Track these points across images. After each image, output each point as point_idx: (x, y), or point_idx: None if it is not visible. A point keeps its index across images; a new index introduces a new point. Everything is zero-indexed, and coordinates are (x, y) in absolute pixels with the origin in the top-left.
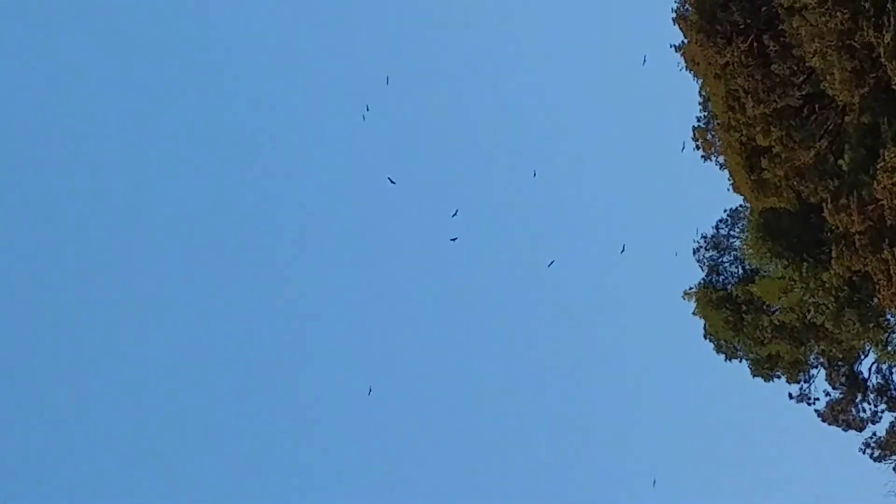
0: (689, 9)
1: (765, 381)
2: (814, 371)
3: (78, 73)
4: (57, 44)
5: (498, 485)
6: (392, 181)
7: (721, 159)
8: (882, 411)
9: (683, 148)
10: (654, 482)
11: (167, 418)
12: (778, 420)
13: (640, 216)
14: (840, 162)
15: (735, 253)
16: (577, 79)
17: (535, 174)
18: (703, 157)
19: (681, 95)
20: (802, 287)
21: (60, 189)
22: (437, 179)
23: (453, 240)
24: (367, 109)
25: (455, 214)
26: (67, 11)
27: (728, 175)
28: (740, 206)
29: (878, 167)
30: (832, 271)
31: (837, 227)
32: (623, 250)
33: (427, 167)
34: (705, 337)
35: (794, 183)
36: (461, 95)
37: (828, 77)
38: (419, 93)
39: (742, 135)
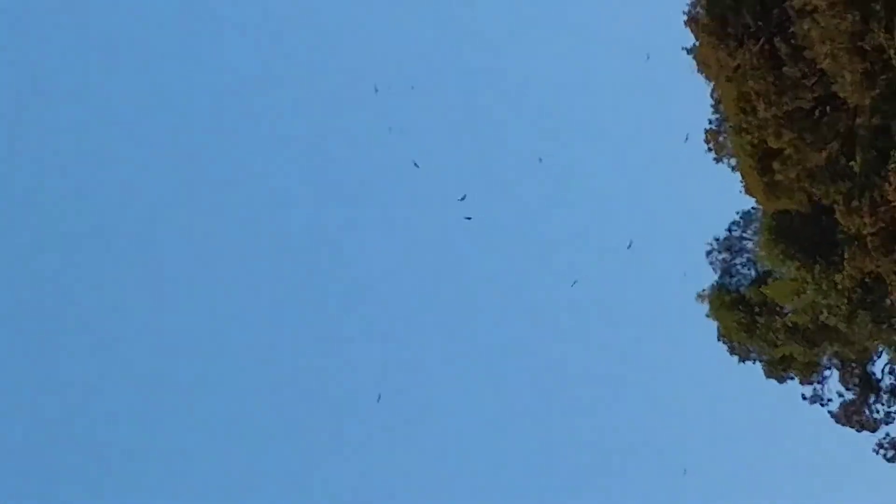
0: (701, 11)
1: (778, 382)
2: (827, 372)
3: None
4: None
5: (502, 481)
6: (417, 165)
7: (733, 161)
8: (895, 412)
9: (687, 139)
10: (685, 471)
11: (170, 420)
12: (792, 420)
13: (651, 217)
14: (852, 164)
15: (748, 255)
16: (588, 78)
17: (540, 160)
18: (715, 159)
19: (694, 95)
20: (815, 289)
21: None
22: (442, 173)
23: (468, 219)
24: (376, 91)
25: (463, 199)
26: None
27: (740, 177)
28: (753, 208)
29: (890, 169)
30: (845, 273)
31: (850, 229)
32: (630, 245)
33: (435, 158)
34: (719, 339)
35: (807, 185)
36: (469, 90)
37: (839, 79)
38: (431, 87)
39: (754, 137)
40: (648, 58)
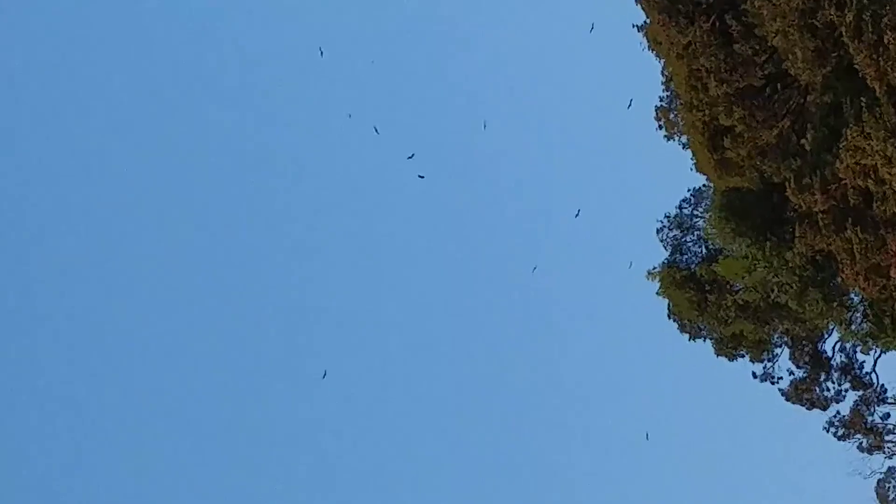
0: None
1: (728, 360)
2: (777, 350)
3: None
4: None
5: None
6: (377, 130)
7: (684, 139)
8: (846, 390)
9: (630, 104)
10: (647, 435)
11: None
12: (742, 397)
13: (601, 194)
14: (803, 141)
15: (698, 233)
16: (538, 52)
17: (485, 126)
18: (665, 136)
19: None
20: (766, 266)
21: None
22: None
23: (421, 177)
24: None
25: (412, 157)
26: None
27: (691, 155)
28: (703, 185)
29: (841, 146)
30: (795, 250)
31: (801, 207)
32: (578, 214)
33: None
34: (669, 317)
35: (758, 162)
36: (409, 58)
37: (790, 56)
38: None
39: (705, 114)
40: (592, 28)
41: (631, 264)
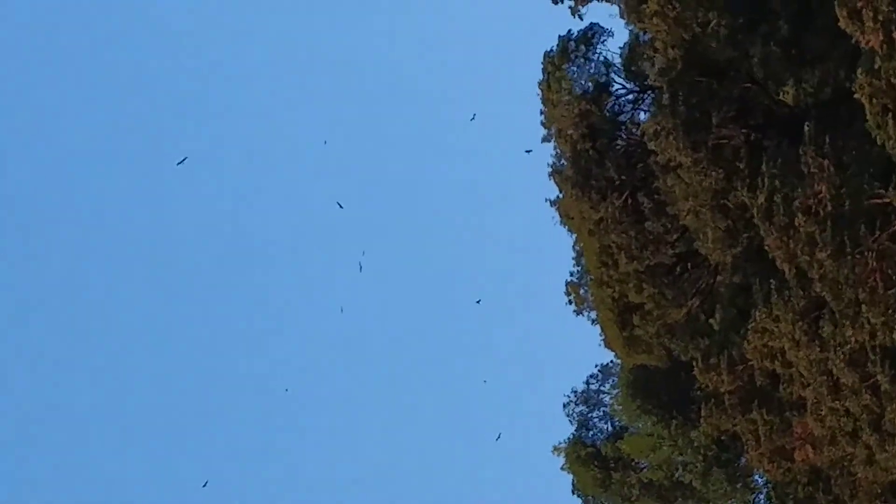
0: (565, 164)
1: None
2: None
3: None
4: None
5: None
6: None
7: (593, 315)
8: None
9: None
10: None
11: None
12: None
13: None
14: (711, 321)
15: (605, 409)
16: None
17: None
18: (575, 311)
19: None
20: (671, 445)
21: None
22: None
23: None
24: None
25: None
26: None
27: (600, 330)
28: (611, 361)
29: (749, 327)
30: (701, 430)
31: (707, 386)
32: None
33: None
34: (573, 493)
35: (666, 340)
36: None
37: (701, 236)
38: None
39: (615, 291)
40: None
41: (499, 435)
